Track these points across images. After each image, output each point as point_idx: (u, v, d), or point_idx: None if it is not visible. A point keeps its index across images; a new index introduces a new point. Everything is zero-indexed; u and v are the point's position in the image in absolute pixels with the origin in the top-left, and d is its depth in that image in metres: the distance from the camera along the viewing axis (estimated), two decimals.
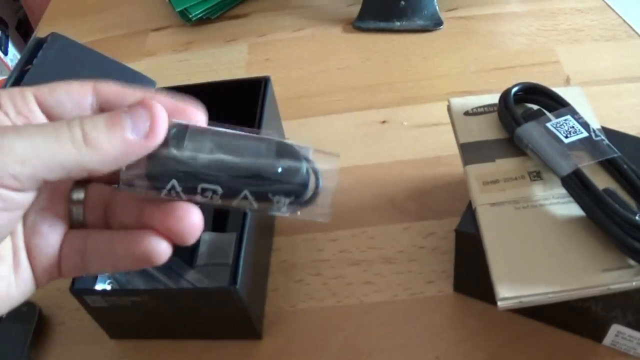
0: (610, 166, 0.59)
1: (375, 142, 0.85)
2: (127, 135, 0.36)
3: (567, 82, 0.88)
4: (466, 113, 0.66)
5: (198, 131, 0.39)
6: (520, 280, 0.54)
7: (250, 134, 0.40)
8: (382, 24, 0.99)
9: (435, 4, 1.00)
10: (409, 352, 0.65)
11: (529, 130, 0.60)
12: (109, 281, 0.69)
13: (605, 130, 0.64)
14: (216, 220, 0.77)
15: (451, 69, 0.93)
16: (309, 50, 1.00)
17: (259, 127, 0.70)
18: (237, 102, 0.73)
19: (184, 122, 0.39)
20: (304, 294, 0.70)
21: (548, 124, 0.61)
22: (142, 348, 0.68)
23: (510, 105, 0.63)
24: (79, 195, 0.41)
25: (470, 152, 0.63)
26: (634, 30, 0.95)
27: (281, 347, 0.66)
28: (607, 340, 0.62)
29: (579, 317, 0.61)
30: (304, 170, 0.39)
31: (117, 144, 0.36)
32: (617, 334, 0.60)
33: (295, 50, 1.01)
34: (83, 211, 0.41)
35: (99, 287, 0.69)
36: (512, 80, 0.66)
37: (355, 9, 1.02)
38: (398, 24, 0.98)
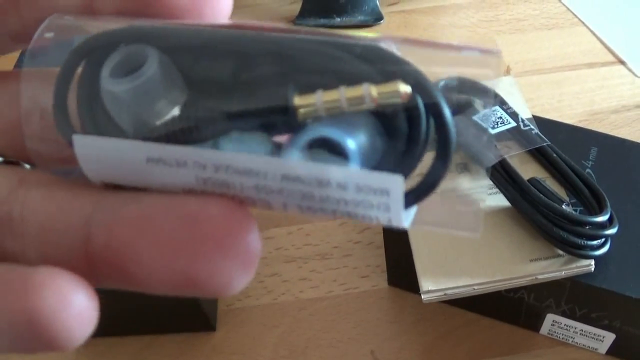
0: (540, 155, 0.59)
1: None
2: None
3: (507, 72, 0.87)
4: None
5: None
6: (444, 273, 0.54)
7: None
8: (323, 21, 0.99)
9: None
10: (344, 347, 0.65)
11: (454, 124, 0.60)
12: None
13: (538, 119, 0.64)
14: None
15: None
16: None
17: None
18: None
19: None
20: (240, 293, 0.67)
21: (474, 117, 0.60)
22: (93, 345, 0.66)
23: None
24: None
25: None
26: (577, 17, 0.95)
27: (216, 345, 0.66)
28: (544, 329, 0.62)
29: (513, 308, 0.61)
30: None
31: None
32: (553, 323, 0.61)
33: None
34: None
35: None
36: (451, 72, 0.65)
37: (297, 7, 1.01)
38: (338, 19, 0.98)
